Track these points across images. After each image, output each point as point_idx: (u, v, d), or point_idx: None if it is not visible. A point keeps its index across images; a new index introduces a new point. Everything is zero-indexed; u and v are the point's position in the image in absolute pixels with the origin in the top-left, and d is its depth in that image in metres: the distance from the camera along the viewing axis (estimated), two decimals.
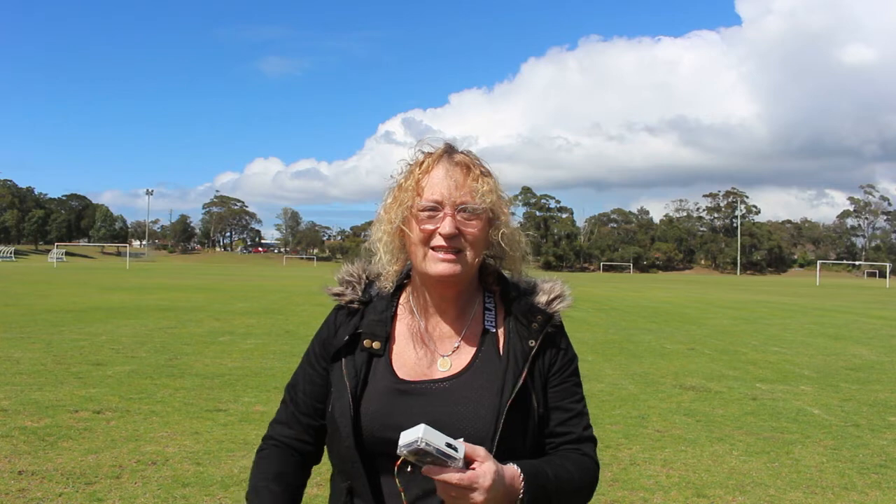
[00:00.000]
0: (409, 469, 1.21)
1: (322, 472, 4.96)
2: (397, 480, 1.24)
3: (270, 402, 6.89)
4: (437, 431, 1.15)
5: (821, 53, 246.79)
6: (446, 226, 1.31)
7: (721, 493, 4.64)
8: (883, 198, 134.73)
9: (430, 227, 1.33)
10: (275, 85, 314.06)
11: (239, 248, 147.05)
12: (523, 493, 1.24)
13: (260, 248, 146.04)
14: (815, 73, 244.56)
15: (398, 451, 1.15)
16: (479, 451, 1.19)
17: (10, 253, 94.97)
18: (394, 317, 1.43)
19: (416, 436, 1.12)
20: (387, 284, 1.45)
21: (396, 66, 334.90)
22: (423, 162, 1.38)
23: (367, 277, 1.48)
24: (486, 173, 1.39)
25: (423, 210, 1.33)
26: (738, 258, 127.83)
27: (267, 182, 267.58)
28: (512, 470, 1.24)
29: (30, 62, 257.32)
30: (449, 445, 1.15)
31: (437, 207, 1.33)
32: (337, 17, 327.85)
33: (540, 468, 1.30)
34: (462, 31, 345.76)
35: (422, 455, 1.14)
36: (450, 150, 1.39)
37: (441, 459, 1.14)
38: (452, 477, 1.14)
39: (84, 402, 6.74)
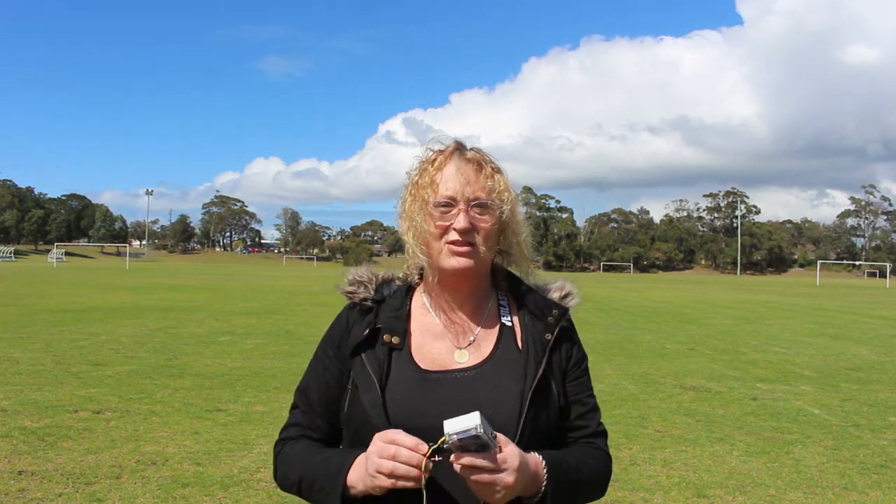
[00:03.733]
0: (437, 458, 1.19)
1: None
2: (423, 478, 1.20)
3: (270, 402, 6.89)
4: (485, 419, 1.16)
5: (823, 53, 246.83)
6: (460, 221, 1.35)
7: (721, 493, 4.64)
8: (884, 198, 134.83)
9: (444, 222, 1.37)
10: (275, 85, 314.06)
11: (239, 248, 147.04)
12: (547, 481, 1.27)
13: (258, 248, 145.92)
14: (816, 73, 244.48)
15: (446, 437, 1.14)
16: (501, 437, 1.22)
17: (10, 253, 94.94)
18: (408, 313, 1.46)
19: (473, 423, 1.13)
20: (413, 276, 1.49)
21: (397, 66, 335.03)
22: (435, 159, 1.41)
23: (378, 279, 1.50)
24: (498, 170, 1.43)
25: (437, 206, 1.37)
26: (739, 258, 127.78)
27: (267, 182, 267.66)
28: (535, 458, 1.28)
29: (30, 62, 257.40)
30: (493, 435, 1.17)
31: (450, 203, 1.37)
32: (337, 17, 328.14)
33: (563, 459, 1.34)
34: (463, 30, 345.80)
35: (468, 442, 1.14)
36: (460, 147, 1.43)
37: (485, 447, 1.16)
38: (485, 460, 1.17)
39: (84, 402, 6.74)
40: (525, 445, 1.29)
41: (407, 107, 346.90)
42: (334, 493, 1.29)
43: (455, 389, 1.36)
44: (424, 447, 1.18)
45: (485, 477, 1.17)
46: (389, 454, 1.20)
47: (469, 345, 1.42)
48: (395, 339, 1.41)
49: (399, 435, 1.22)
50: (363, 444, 1.34)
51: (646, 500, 4.49)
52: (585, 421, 1.45)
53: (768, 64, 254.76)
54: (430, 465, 1.19)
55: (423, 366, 1.39)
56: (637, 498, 4.52)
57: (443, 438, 1.16)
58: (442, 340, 1.43)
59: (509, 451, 1.20)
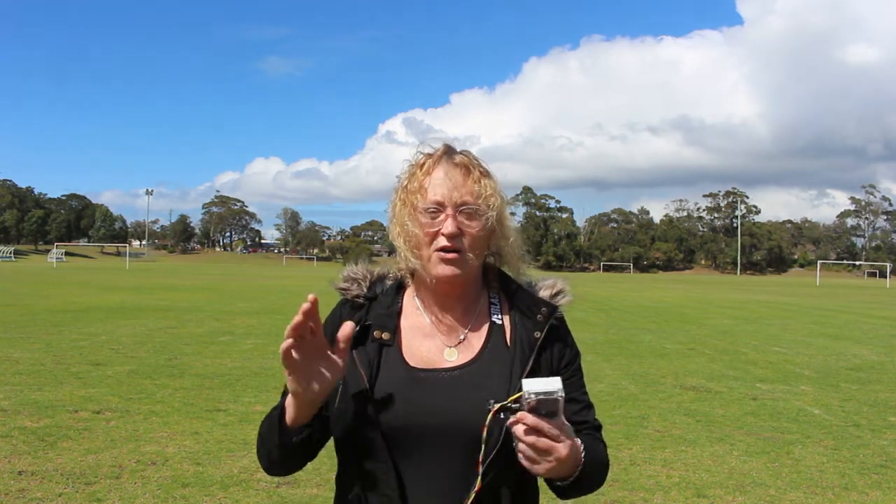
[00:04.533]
0: (502, 415, 1.20)
1: (322, 472, 4.92)
2: (485, 430, 1.22)
3: (270, 403, 6.85)
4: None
5: (823, 53, 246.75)
6: (448, 226, 1.35)
7: (721, 494, 4.64)
8: (884, 198, 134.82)
9: (432, 228, 1.37)
10: (276, 85, 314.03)
11: (239, 248, 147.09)
12: (582, 465, 1.28)
13: (255, 249, 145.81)
14: (817, 73, 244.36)
15: (525, 395, 1.14)
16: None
17: (10, 253, 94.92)
18: (399, 311, 1.47)
19: (556, 386, 1.13)
20: (405, 277, 1.49)
21: (397, 66, 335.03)
22: (423, 164, 1.42)
23: (372, 276, 1.51)
24: (486, 174, 1.43)
25: (425, 211, 1.37)
26: (738, 258, 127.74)
27: (267, 182, 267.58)
28: (577, 441, 1.28)
29: (30, 62, 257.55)
30: (562, 396, 1.17)
31: (438, 209, 1.37)
32: (338, 17, 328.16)
33: (589, 446, 1.34)
34: (463, 30, 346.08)
35: (543, 404, 1.14)
36: (449, 151, 1.43)
37: (554, 414, 1.15)
38: (549, 424, 1.17)
39: (84, 402, 6.74)
40: (508, 443, 1.29)
41: (407, 107, 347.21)
42: (275, 414, 1.34)
43: (442, 388, 1.36)
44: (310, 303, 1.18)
45: (545, 442, 1.17)
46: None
47: (459, 343, 1.42)
48: (385, 335, 1.41)
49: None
50: (352, 441, 1.36)
51: (646, 500, 4.49)
52: (583, 416, 1.47)
53: (769, 64, 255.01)
54: (498, 416, 1.20)
55: (412, 363, 1.39)
56: (637, 498, 4.52)
57: (516, 395, 1.16)
58: (432, 339, 1.43)
59: (568, 424, 1.21)
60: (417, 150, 1.45)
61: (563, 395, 1.13)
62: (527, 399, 1.14)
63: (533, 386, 1.14)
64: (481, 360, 1.40)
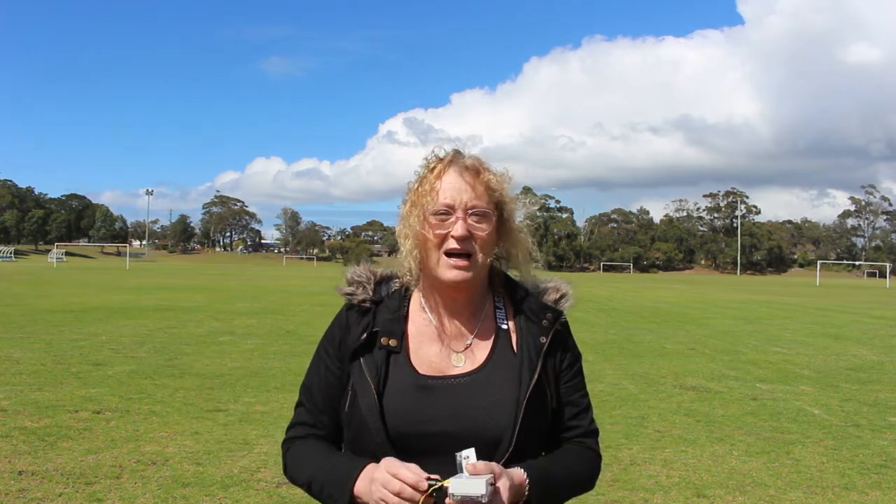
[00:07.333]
0: (434, 497, 1.23)
1: None
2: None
3: (270, 403, 6.89)
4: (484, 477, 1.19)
5: (824, 53, 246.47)
6: (458, 229, 1.37)
7: (721, 494, 4.64)
8: (884, 198, 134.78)
9: (442, 230, 1.38)
10: (276, 84, 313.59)
11: (239, 248, 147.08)
12: (528, 495, 1.31)
13: (253, 249, 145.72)
14: (819, 73, 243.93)
15: (450, 497, 1.17)
16: (495, 468, 1.25)
17: (10, 253, 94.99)
18: (406, 316, 1.47)
19: (479, 491, 1.17)
20: (410, 281, 1.50)
21: (398, 66, 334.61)
22: (434, 167, 1.44)
23: (376, 278, 1.51)
24: (496, 177, 1.45)
25: (435, 214, 1.39)
26: (738, 258, 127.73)
27: (268, 182, 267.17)
28: (519, 475, 1.31)
29: (30, 62, 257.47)
30: (491, 484, 1.21)
31: (448, 211, 1.39)
32: (339, 17, 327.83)
33: (546, 468, 1.37)
34: (464, 30, 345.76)
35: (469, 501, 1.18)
36: (459, 155, 1.46)
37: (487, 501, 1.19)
38: None
39: (84, 402, 6.74)
40: (519, 448, 1.34)
41: (408, 106, 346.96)
42: (342, 500, 1.33)
43: (451, 396, 1.37)
44: (424, 484, 1.21)
45: None
46: (394, 490, 1.22)
47: (465, 349, 1.44)
48: (392, 342, 1.42)
49: (402, 470, 1.24)
50: (362, 448, 1.37)
51: (646, 500, 4.49)
52: (578, 421, 1.49)
53: (770, 64, 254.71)
54: (431, 501, 1.22)
55: (420, 370, 1.40)
56: (637, 498, 4.52)
57: (444, 483, 1.19)
58: (439, 344, 1.44)
59: (501, 489, 1.23)
60: (432, 151, 1.47)
61: (489, 498, 1.17)
62: (452, 499, 1.18)
63: (458, 488, 1.17)
64: (489, 368, 1.41)
